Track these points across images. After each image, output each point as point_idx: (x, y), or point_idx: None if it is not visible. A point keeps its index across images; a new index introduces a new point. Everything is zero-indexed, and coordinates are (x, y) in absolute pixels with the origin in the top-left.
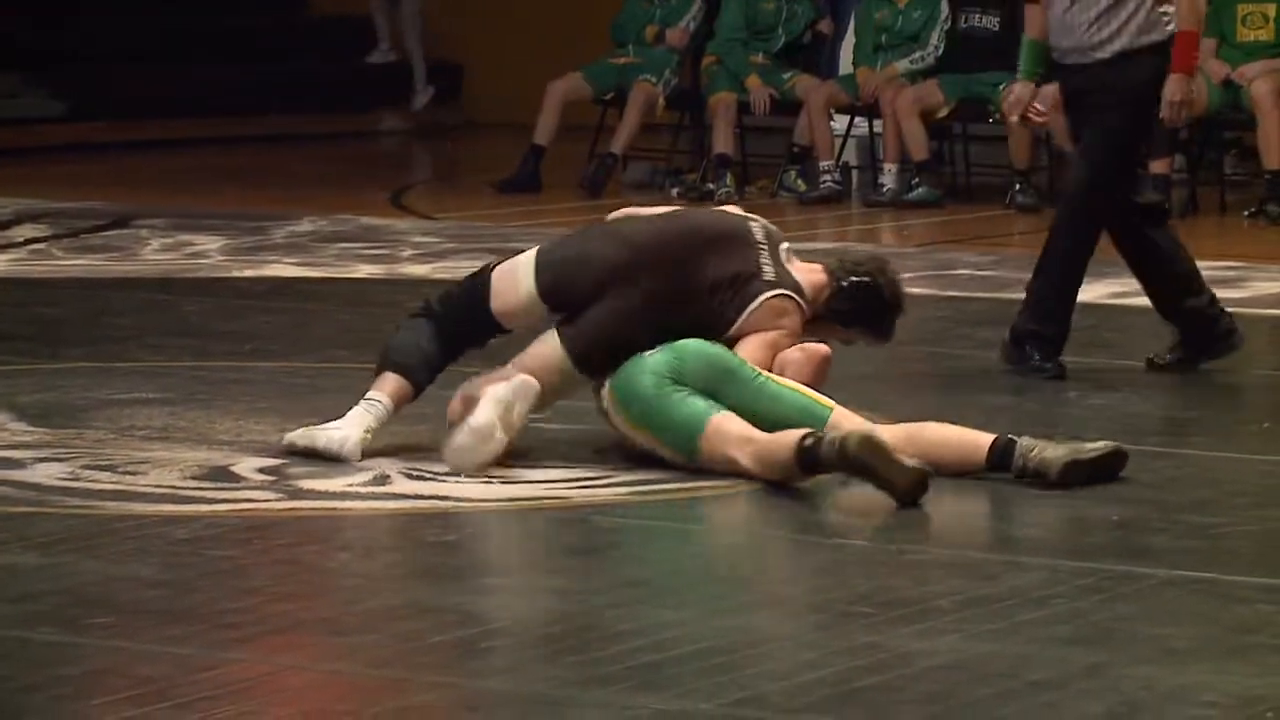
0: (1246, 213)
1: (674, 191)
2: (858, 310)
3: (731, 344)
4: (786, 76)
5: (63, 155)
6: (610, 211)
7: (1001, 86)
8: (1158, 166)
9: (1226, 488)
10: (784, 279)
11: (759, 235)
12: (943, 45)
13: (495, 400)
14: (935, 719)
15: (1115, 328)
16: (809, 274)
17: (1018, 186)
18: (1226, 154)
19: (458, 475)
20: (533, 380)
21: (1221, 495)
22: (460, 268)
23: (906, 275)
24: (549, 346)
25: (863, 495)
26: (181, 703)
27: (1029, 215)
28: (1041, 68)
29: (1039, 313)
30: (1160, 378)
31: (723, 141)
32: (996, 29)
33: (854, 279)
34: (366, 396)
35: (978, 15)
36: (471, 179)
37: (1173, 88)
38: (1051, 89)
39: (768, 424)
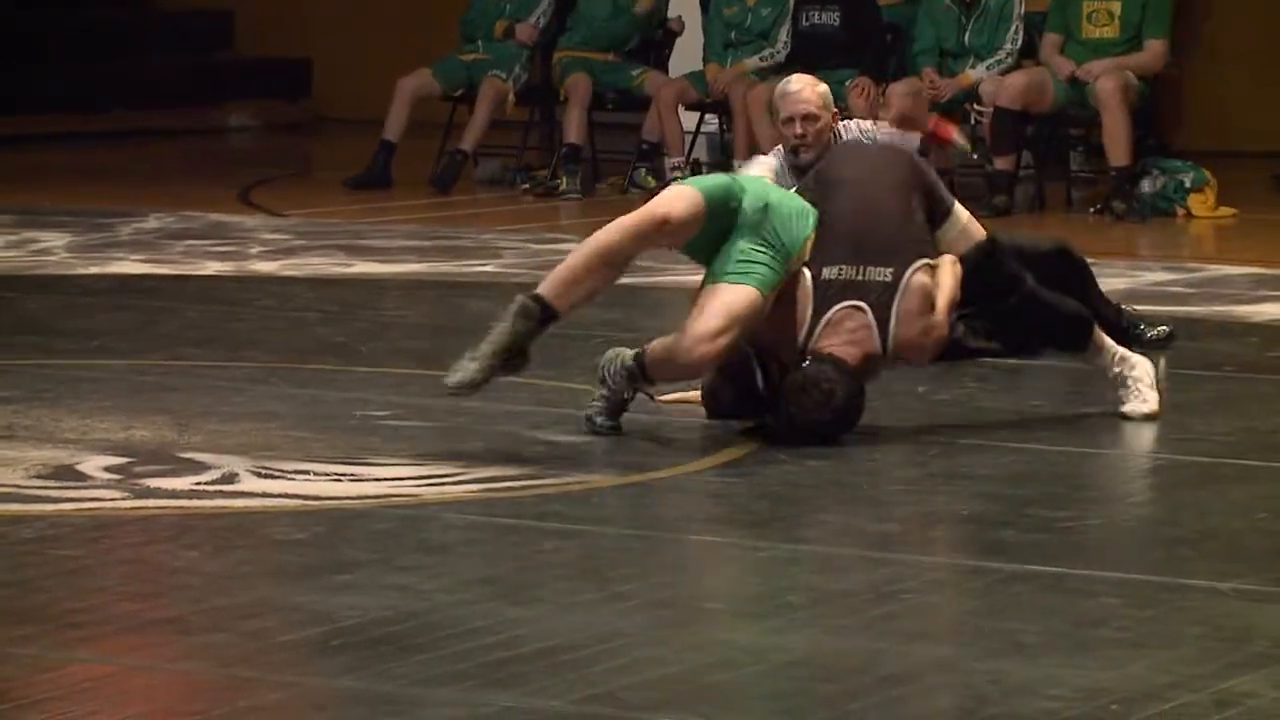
0: (1092, 209)
1: (523, 188)
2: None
3: None
4: (635, 73)
5: None
6: (459, 208)
7: (848, 83)
8: (1002, 164)
9: (1072, 482)
10: None
11: None
12: (790, 43)
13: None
14: (785, 715)
15: None
16: None
17: None
18: (1072, 150)
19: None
20: None
21: (1068, 489)
22: (309, 265)
23: None
24: None
25: (715, 492)
26: (25, 703)
27: None
28: None
29: None
30: (1007, 374)
31: (575, 130)
32: (837, 24)
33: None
34: None
35: (817, 12)
36: (321, 175)
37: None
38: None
39: None
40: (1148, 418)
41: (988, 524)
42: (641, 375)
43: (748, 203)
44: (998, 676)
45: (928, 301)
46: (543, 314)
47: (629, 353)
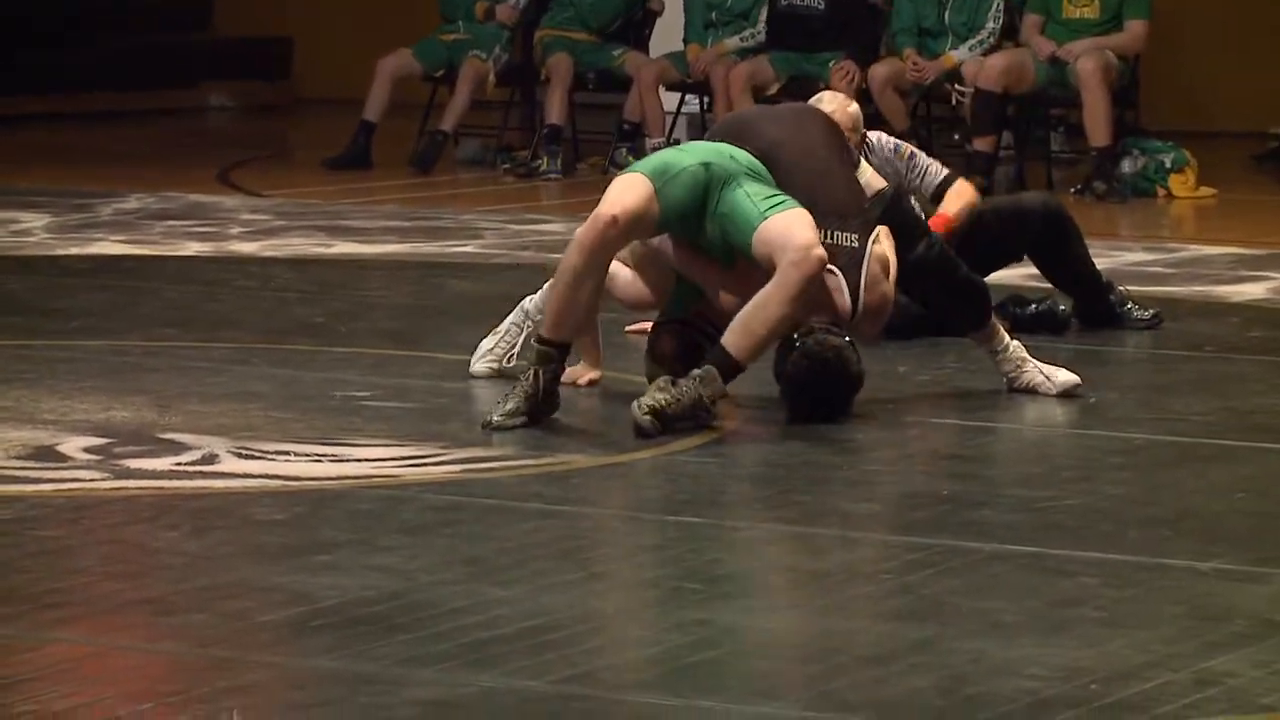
0: (1073, 190)
1: (504, 168)
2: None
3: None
4: (616, 53)
5: None
6: (440, 189)
7: (831, 64)
8: (982, 145)
9: (1051, 462)
10: None
11: None
12: (767, 24)
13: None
14: (765, 695)
15: None
16: None
17: None
18: (1053, 131)
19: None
20: None
21: (1047, 470)
22: (289, 245)
23: None
24: None
25: (694, 473)
26: (5, 684)
27: None
28: None
29: None
30: (986, 354)
31: (557, 110)
32: (822, 8)
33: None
34: None
35: None
36: (301, 156)
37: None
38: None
39: None
40: (1073, 389)
41: (966, 504)
42: (731, 371)
43: (716, 161)
44: (977, 656)
45: (885, 270)
46: (558, 352)
47: (697, 373)
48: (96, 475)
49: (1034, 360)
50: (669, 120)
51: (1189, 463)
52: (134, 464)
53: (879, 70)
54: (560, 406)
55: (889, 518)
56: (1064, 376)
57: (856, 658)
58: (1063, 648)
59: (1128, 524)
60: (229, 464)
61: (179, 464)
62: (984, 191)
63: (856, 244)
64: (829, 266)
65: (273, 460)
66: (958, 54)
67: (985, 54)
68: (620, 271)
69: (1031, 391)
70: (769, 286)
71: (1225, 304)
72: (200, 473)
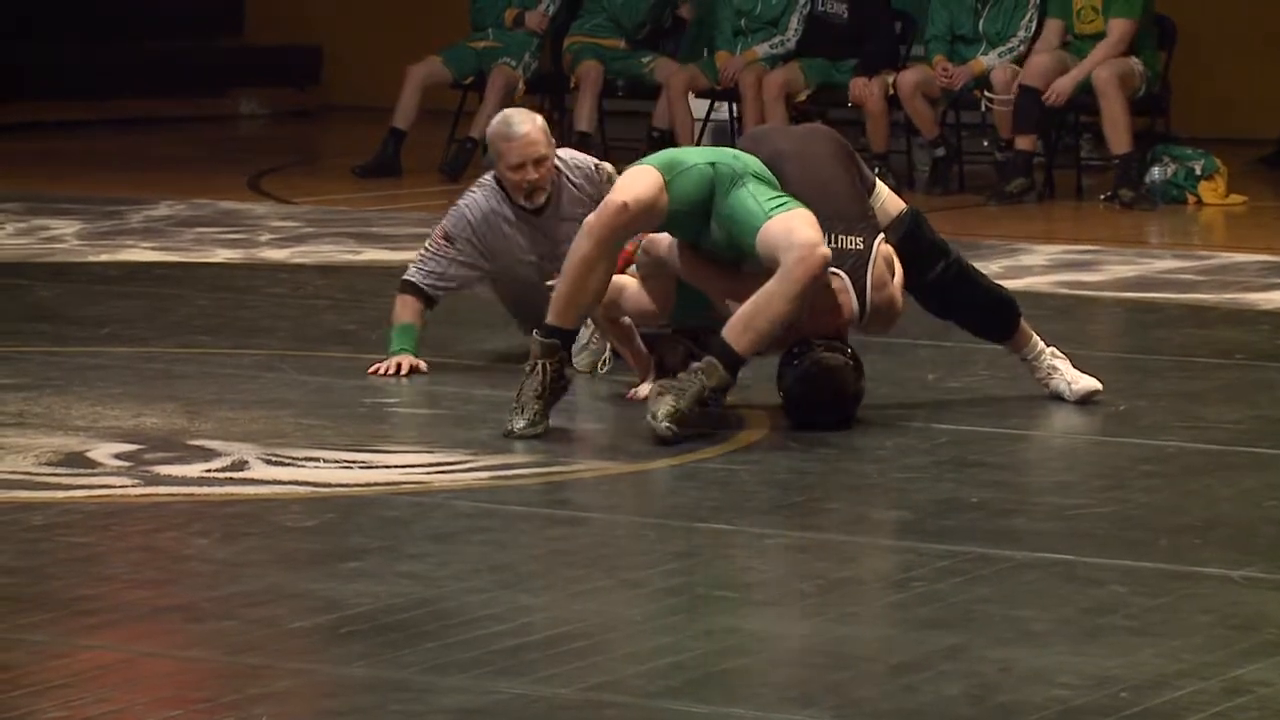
0: (1103, 196)
1: None
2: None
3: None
4: (646, 61)
5: None
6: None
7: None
8: (1023, 143)
9: (1082, 470)
10: None
11: None
12: (801, 29)
13: None
14: (794, 703)
15: None
16: None
17: (875, 170)
18: (1081, 138)
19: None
20: None
21: (1078, 477)
22: (319, 252)
23: None
24: None
25: (724, 480)
26: (36, 690)
27: None
28: None
29: None
30: (1017, 361)
31: (586, 117)
32: (845, 17)
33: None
34: None
35: (830, 1)
36: (330, 163)
37: None
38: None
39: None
40: (1092, 394)
41: (997, 511)
42: (731, 363)
43: (721, 161)
44: (1008, 664)
45: (891, 270)
46: (563, 340)
47: (697, 365)
48: (126, 482)
49: (1065, 367)
50: (698, 127)
51: (1220, 471)
52: (164, 470)
53: (908, 77)
54: (569, 388)
55: (919, 525)
56: (1083, 384)
57: (886, 665)
58: (1093, 656)
59: (1158, 532)
60: (259, 471)
61: (209, 471)
62: (1026, 191)
63: (862, 246)
64: (834, 270)
65: (302, 467)
66: (987, 60)
67: (1014, 61)
68: (628, 283)
69: (1059, 397)
70: (771, 282)
71: (1256, 311)
72: (230, 479)
